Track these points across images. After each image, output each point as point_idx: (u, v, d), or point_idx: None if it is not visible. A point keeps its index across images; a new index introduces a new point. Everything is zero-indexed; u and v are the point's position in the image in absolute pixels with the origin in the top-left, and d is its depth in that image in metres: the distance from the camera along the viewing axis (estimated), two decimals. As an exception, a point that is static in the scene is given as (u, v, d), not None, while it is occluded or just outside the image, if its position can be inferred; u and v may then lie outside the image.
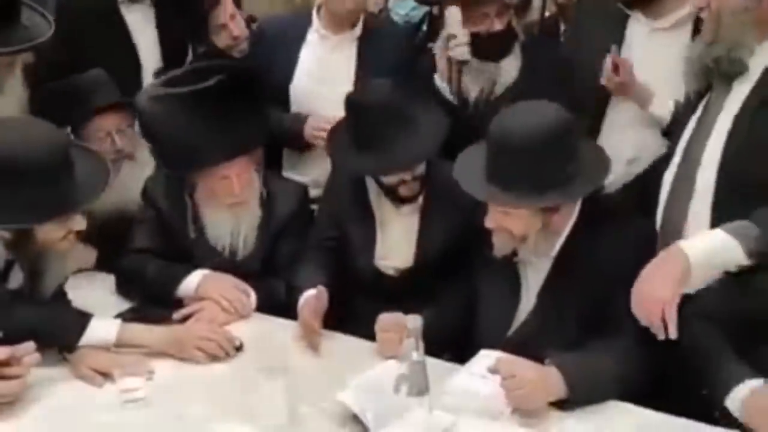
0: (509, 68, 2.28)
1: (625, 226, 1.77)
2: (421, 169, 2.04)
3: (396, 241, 2.10)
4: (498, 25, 2.24)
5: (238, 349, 1.89)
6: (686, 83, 1.75)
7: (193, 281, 2.06)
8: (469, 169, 1.77)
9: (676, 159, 1.74)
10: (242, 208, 2.12)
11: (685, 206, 1.68)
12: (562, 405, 1.62)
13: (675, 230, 1.69)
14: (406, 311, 1.77)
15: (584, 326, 1.72)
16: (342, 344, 1.94)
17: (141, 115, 2.11)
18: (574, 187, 1.70)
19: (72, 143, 1.76)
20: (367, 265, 2.11)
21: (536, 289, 1.80)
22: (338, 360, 1.87)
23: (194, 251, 2.15)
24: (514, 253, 1.79)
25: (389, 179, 2.03)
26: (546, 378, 1.61)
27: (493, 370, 1.62)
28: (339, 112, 2.13)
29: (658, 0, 2.14)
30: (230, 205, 2.10)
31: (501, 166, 1.70)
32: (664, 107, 2.11)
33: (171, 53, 2.53)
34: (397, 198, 2.06)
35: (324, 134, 2.25)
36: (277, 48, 2.43)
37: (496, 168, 1.71)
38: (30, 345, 1.60)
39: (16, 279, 1.77)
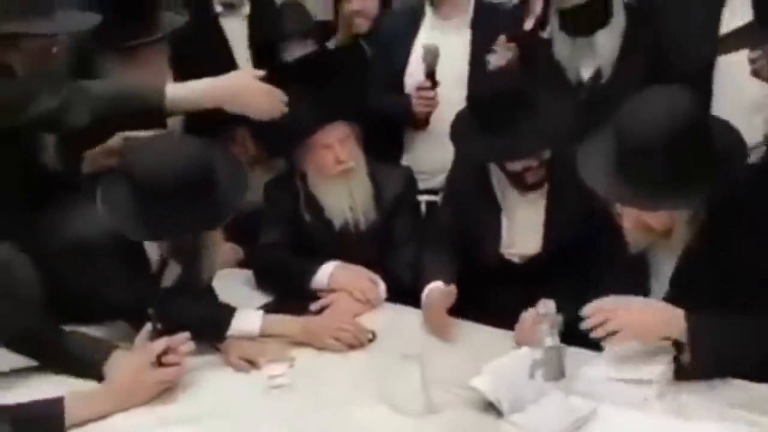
0: (605, 42, 2.19)
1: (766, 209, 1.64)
2: (547, 154, 2.02)
3: (522, 229, 2.10)
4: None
5: (371, 340, 1.95)
6: None
7: (325, 273, 2.14)
8: (596, 165, 1.63)
9: None
10: (352, 175, 2.18)
11: None
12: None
13: None
14: (534, 299, 1.77)
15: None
16: (472, 332, 1.96)
17: None
18: (718, 177, 1.56)
19: (215, 154, 1.85)
20: (493, 254, 2.12)
21: (668, 275, 1.71)
22: (469, 347, 1.89)
23: (314, 235, 2.23)
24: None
25: (515, 166, 2.02)
26: (663, 310, 1.55)
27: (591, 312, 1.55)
28: (455, 93, 2.21)
29: None
30: (340, 174, 2.16)
31: (637, 164, 1.55)
32: None
33: (260, 58, 2.67)
34: (523, 185, 2.05)
35: (427, 99, 2.31)
36: (392, 37, 2.53)
37: (630, 165, 1.56)
38: (185, 335, 1.73)
39: (170, 276, 1.92)
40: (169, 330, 1.74)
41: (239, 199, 1.83)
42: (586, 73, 2.24)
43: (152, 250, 1.88)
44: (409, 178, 2.32)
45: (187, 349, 1.72)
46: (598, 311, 1.56)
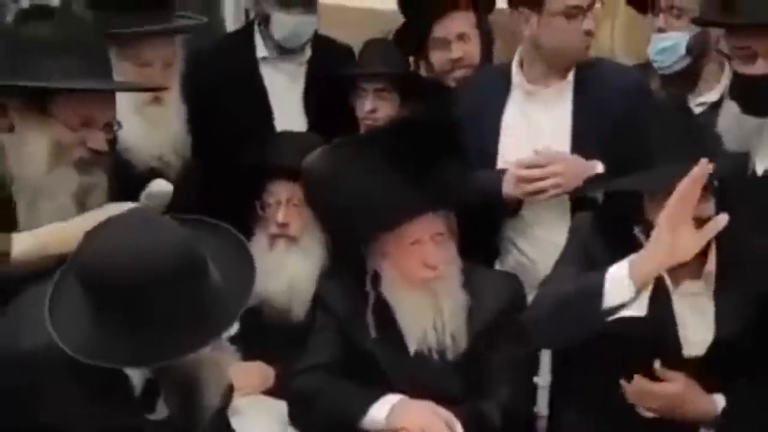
0: None
1: None
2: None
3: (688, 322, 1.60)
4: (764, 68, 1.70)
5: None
6: None
7: (383, 408, 1.65)
8: None
9: None
10: (442, 284, 1.72)
11: None
12: None
13: None
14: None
15: None
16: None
17: (311, 176, 1.79)
18: None
19: (207, 237, 1.35)
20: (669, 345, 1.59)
21: None
22: None
23: (379, 357, 1.74)
24: None
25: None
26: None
27: None
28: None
29: None
30: (427, 282, 1.71)
31: None
32: None
33: (318, 120, 2.24)
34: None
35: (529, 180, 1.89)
36: (474, 109, 2.03)
37: None
38: None
39: (167, 404, 1.38)
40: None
41: (242, 303, 1.32)
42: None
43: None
44: (516, 291, 1.80)
45: None
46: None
